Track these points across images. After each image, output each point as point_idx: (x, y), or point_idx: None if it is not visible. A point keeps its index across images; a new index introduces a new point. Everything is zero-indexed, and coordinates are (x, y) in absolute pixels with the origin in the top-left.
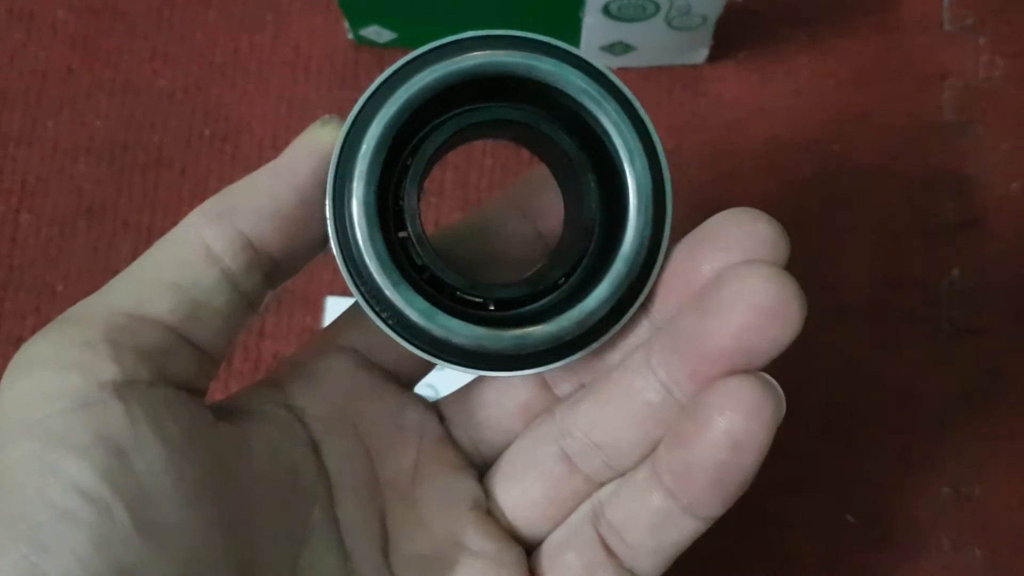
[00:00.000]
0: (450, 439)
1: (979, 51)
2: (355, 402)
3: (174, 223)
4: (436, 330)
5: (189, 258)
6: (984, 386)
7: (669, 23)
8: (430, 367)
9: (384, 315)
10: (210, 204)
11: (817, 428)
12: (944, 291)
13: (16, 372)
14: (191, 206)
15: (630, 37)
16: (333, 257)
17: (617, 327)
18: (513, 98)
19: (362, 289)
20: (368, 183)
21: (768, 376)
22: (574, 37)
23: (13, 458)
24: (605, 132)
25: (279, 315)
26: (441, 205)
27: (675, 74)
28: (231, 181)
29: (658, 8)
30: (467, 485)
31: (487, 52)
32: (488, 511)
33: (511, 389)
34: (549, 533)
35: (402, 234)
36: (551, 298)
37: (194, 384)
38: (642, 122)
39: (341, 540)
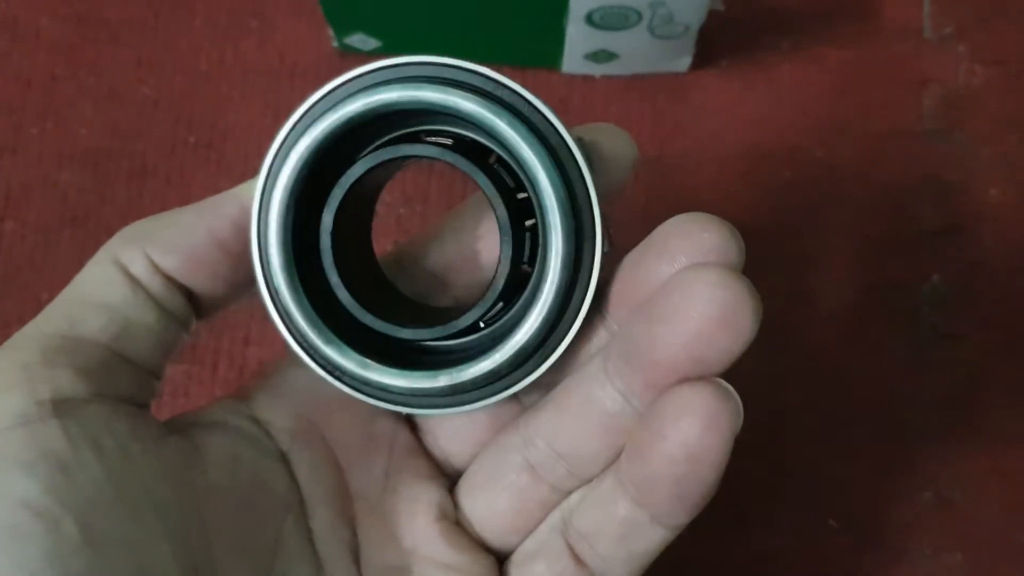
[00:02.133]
0: (422, 449)
1: (959, 59)
2: (324, 414)
3: None
4: (372, 379)
5: (111, 279)
6: (965, 391)
7: (652, 32)
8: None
9: (325, 365)
10: (129, 228)
11: (799, 433)
12: (925, 297)
13: None
14: None
15: (613, 45)
16: None
17: (554, 356)
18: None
19: (298, 340)
20: (283, 248)
21: (724, 383)
22: (558, 46)
23: None
24: (512, 154)
25: (264, 322)
26: (426, 212)
27: (658, 82)
28: (215, 189)
29: (641, 17)
30: (435, 495)
31: (375, 93)
32: (457, 522)
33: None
34: (519, 543)
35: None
36: (487, 331)
37: (135, 399)
38: (546, 133)
39: (315, 550)
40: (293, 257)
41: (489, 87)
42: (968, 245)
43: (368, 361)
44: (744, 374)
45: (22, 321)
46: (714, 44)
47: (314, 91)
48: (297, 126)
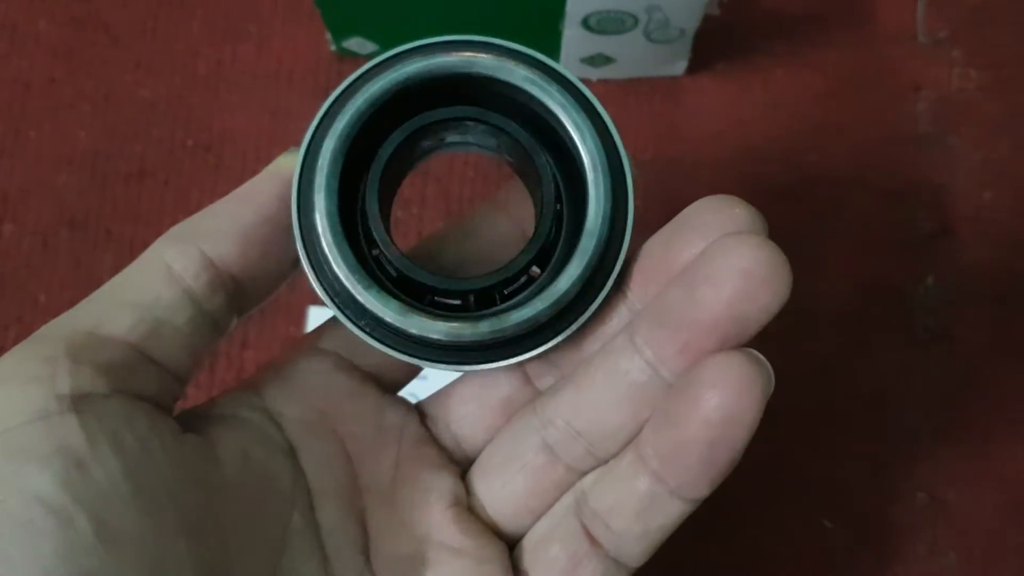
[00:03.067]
0: (431, 438)
1: (952, 63)
2: (334, 405)
3: (157, 233)
4: (412, 328)
5: (150, 278)
6: (958, 392)
7: (648, 36)
8: (414, 372)
9: (358, 321)
10: (174, 229)
11: (795, 434)
12: (918, 299)
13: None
14: (174, 216)
15: (609, 49)
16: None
17: (594, 305)
18: (463, 101)
19: (334, 297)
20: (328, 193)
21: (755, 351)
22: (554, 49)
23: None
24: (553, 115)
25: (262, 325)
26: (423, 216)
27: (654, 85)
28: (214, 191)
29: (637, 21)
30: (447, 483)
31: (431, 57)
32: (469, 507)
33: (492, 384)
34: (531, 526)
35: (373, 250)
36: (530, 288)
37: (158, 399)
38: (589, 103)
39: (321, 544)
40: (338, 209)
41: (532, 63)
42: (962, 248)
43: (409, 309)
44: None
45: (21, 323)
46: (709, 48)
47: (312, 95)
48: (343, 95)
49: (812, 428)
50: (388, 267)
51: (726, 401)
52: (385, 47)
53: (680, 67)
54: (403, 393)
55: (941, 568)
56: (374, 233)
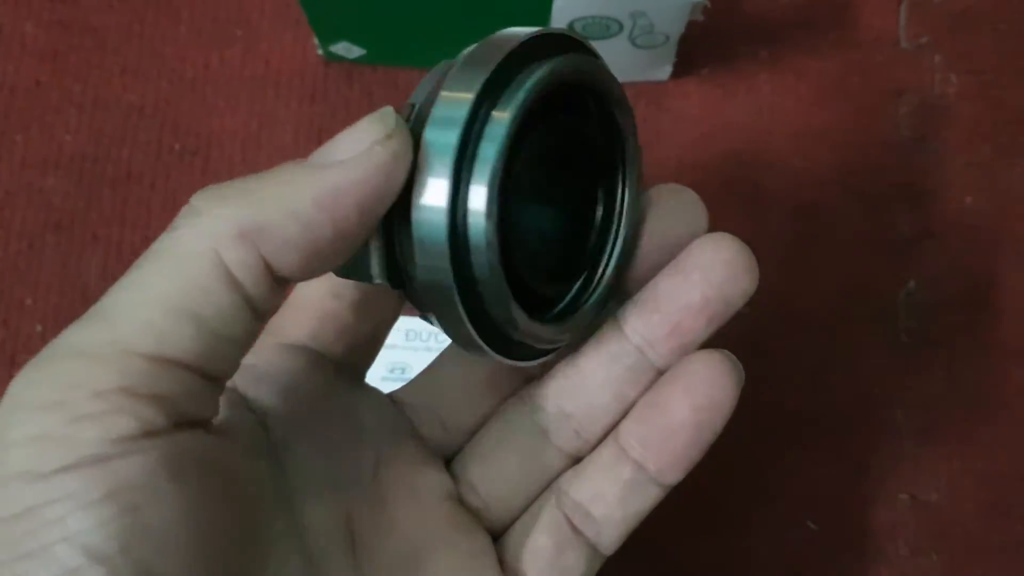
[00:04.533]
0: (412, 429)
1: (934, 69)
2: (312, 402)
3: (144, 237)
4: (534, 331)
5: (209, 284)
6: (941, 395)
7: (633, 41)
8: (375, 353)
9: (499, 345)
10: (232, 212)
11: (777, 436)
12: (901, 302)
13: (18, 413)
14: (160, 220)
15: None
16: None
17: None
18: (574, 108)
19: (480, 324)
20: (494, 215)
21: (727, 352)
22: None
23: (15, 511)
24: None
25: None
26: None
27: (640, 90)
28: None
29: (622, 27)
30: (434, 477)
31: (556, 58)
32: (459, 498)
33: (473, 364)
34: (520, 511)
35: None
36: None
37: (206, 417)
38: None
39: (307, 547)
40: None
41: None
42: (944, 252)
43: (526, 315)
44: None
45: (7, 326)
46: (694, 53)
47: (299, 99)
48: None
49: (795, 430)
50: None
51: (712, 388)
52: (372, 51)
53: (665, 72)
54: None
55: (923, 568)
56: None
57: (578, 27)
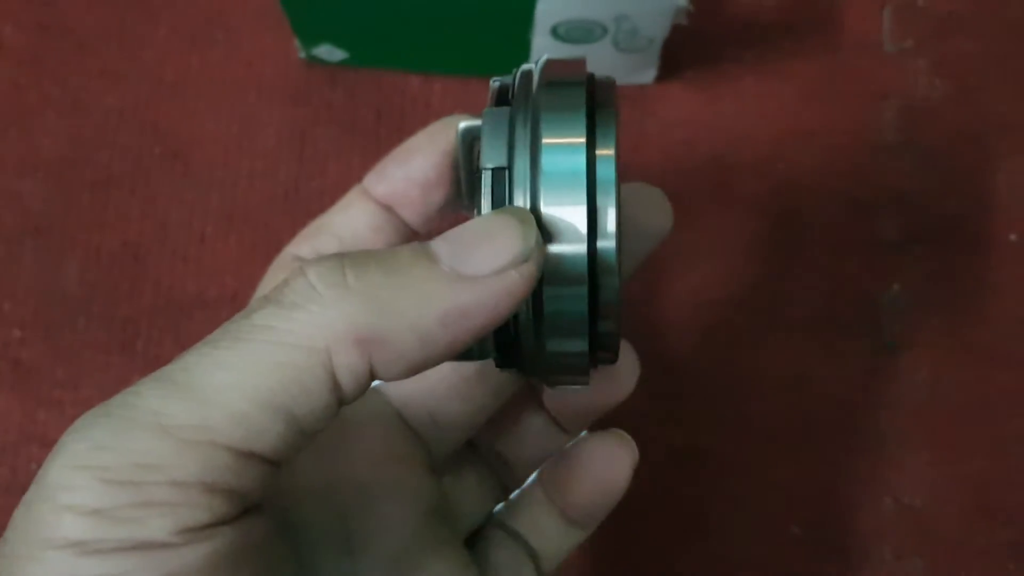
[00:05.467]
0: (404, 426)
1: (918, 72)
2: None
3: (123, 241)
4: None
5: (312, 386)
6: (924, 399)
7: (616, 45)
8: None
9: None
10: (354, 312)
11: (761, 441)
12: (885, 305)
13: (79, 477)
14: (140, 224)
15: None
16: None
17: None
18: None
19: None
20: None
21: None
22: (524, 58)
23: None
24: None
25: None
26: None
27: (624, 94)
28: (181, 199)
29: (606, 31)
30: (424, 483)
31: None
32: (445, 508)
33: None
34: (475, 528)
35: None
36: None
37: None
38: None
39: (299, 547)
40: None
41: None
42: (927, 256)
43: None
44: (706, 382)
45: None
46: (679, 57)
47: (280, 102)
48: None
49: (779, 434)
50: None
51: (606, 473)
52: (354, 54)
53: (650, 75)
54: None
55: (907, 572)
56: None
57: (561, 31)
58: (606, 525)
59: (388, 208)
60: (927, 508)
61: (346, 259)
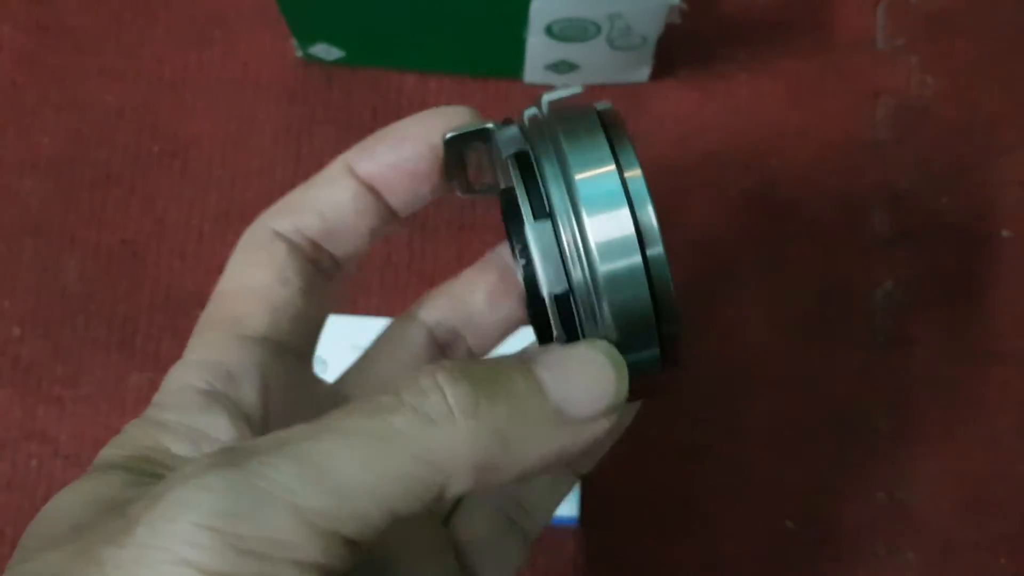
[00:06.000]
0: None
1: (911, 70)
2: (283, 397)
3: (122, 239)
4: None
5: (424, 497)
6: (917, 394)
7: (611, 43)
8: (318, 339)
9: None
10: (481, 443)
11: (756, 436)
12: (877, 302)
13: (204, 536)
14: (139, 222)
15: (574, 56)
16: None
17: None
18: None
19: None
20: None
21: None
22: (519, 56)
23: None
24: None
25: None
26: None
27: (619, 92)
28: (179, 197)
29: (600, 29)
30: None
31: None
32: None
33: (404, 347)
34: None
35: None
36: None
37: None
38: None
39: None
40: None
41: None
42: (920, 252)
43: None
44: (700, 378)
45: None
46: (673, 55)
47: (277, 100)
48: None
49: (773, 430)
50: None
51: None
52: (351, 53)
53: (644, 74)
54: None
55: (900, 566)
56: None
57: (556, 29)
58: (601, 519)
59: (372, 189)
60: (920, 503)
61: (480, 387)
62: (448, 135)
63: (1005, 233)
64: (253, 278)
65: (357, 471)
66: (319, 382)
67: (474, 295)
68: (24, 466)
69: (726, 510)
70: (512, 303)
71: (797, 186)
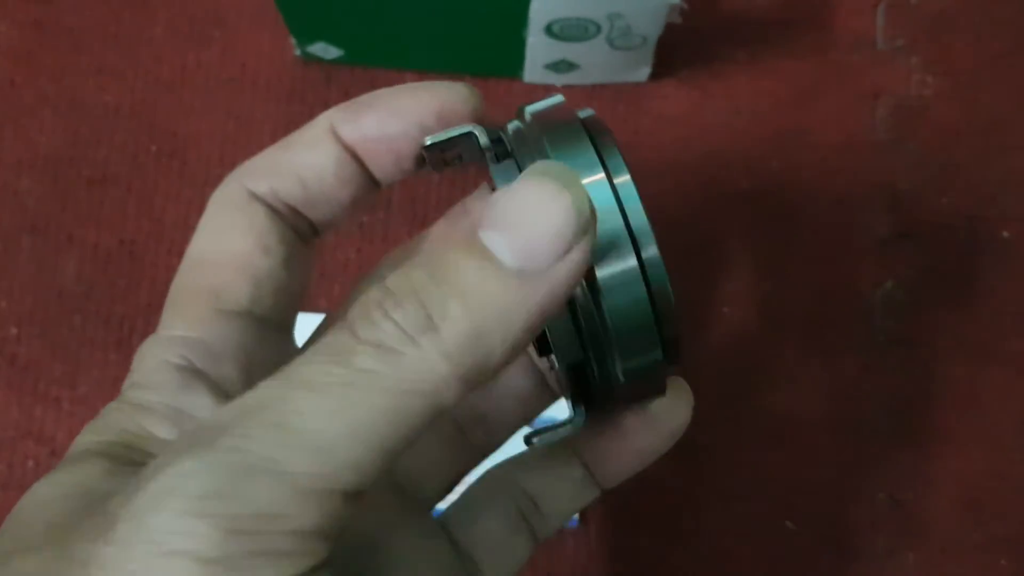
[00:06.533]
0: None
1: (911, 70)
2: (267, 372)
3: (120, 239)
4: None
5: (419, 424)
6: (917, 394)
7: (611, 43)
8: (296, 307)
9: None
10: (463, 354)
11: (757, 436)
12: (878, 302)
13: (191, 521)
14: (137, 222)
15: (573, 56)
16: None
17: None
18: None
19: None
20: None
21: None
22: (519, 56)
23: None
24: None
25: None
26: (389, 220)
27: (619, 91)
28: (178, 197)
29: (600, 29)
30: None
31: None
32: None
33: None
34: (442, 494)
35: None
36: None
37: None
38: None
39: None
40: None
41: None
42: (920, 252)
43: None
44: (701, 379)
45: None
46: (673, 55)
47: (276, 100)
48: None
49: (773, 430)
50: None
51: (670, 419)
52: (349, 52)
53: (644, 73)
54: None
55: (901, 566)
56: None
57: (556, 28)
58: (601, 519)
59: (355, 156)
60: (920, 503)
61: (428, 296)
62: (428, 141)
63: (1005, 234)
64: (232, 245)
65: (336, 423)
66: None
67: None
68: (21, 466)
69: (726, 510)
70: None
71: (797, 186)
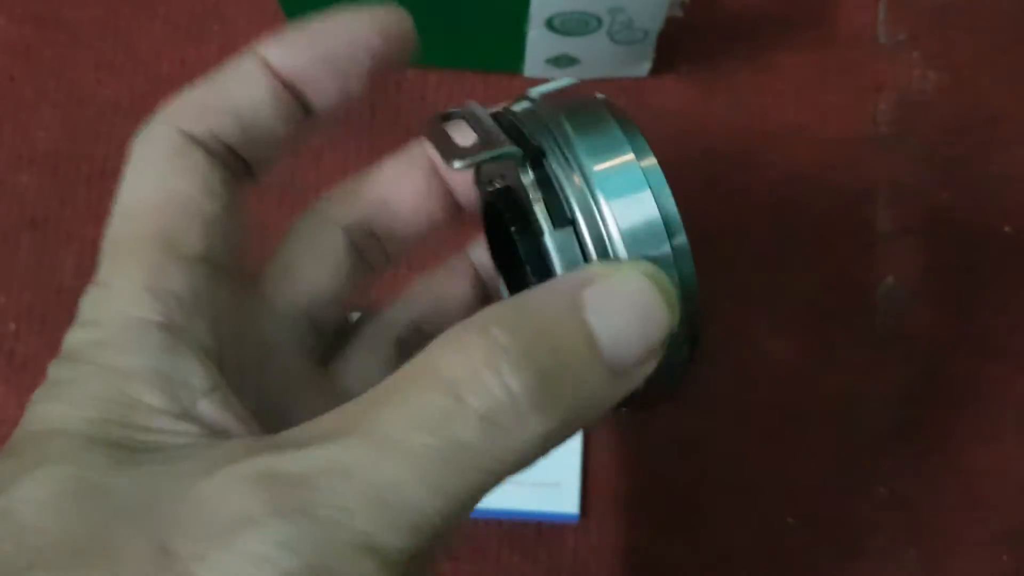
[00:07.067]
0: (301, 333)
1: (912, 65)
2: (230, 324)
3: None
4: None
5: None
6: (919, 390)
7: (612, 37)
8: (244, 253)
9: None
10: (555, 435)
11: (757, 432)
12: (879, 297)
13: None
14: None
15: (574, 50)
16: None
17: None
18: None
19: None
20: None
21: None
22: (519, 50)
23: None
24: None
25: None
26: None
27: (619, 86)
28: None
29: (600, 23)
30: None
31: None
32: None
33: (322, 254)
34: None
35: None
36: None
37: None
38: None
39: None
40: None
41: None
42: (922, 247)
43: None
44: (701, 375)
45: None
46: (674, 50)
47: None
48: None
49: (774, 426)
50: None
51: None
52: None
53: (644, 68)
54: None
55: (902, 562)
56: None
57: (557, 23)
58: (602, 515)
59: (292, 87)
60: (921, 498)
61: (543, 368)
62: (457, 164)
63: (1007, 229)
64: (176, 189)
65: (434, 500)
66: (255, 303)
67: (397, 197)
68: None
69: (726, 505)
70: (433, 207)
71: (798, 181)
